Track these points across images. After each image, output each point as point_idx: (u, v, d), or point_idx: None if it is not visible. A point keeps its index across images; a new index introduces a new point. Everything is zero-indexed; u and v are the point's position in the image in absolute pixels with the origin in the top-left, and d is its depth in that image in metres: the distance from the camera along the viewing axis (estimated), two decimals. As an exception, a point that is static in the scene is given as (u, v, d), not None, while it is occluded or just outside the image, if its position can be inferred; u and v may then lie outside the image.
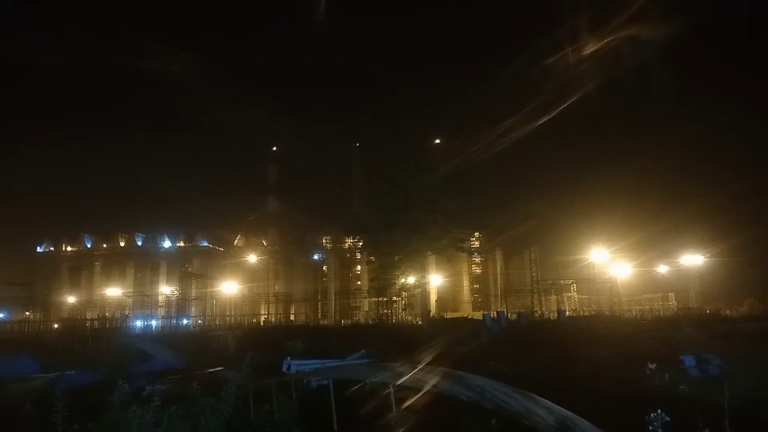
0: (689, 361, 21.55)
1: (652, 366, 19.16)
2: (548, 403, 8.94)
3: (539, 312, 62.80)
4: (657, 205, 65.29)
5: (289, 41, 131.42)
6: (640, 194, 65.75)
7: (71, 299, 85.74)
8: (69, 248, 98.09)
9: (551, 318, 56.85)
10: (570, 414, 8.59)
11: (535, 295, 66.01)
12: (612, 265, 65.89)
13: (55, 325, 66.47)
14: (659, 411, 7.63)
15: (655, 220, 60.33)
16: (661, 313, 61.12)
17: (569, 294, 74.97)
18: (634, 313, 64.43)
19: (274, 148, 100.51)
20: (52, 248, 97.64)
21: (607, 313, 60.31)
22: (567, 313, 56.48)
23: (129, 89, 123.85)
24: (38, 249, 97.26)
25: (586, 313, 63.90)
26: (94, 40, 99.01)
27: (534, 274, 68.38)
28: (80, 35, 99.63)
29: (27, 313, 79.20)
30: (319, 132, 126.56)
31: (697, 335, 31.43)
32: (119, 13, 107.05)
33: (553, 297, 73.76)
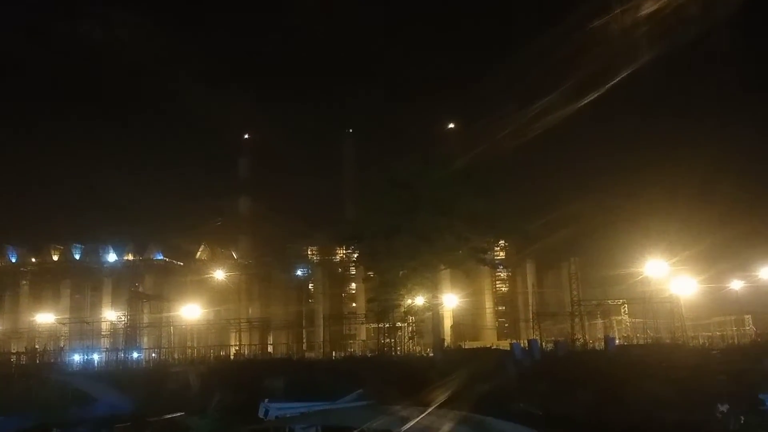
0: (771, 401, 21.52)
1: (724, 407, 19.14)
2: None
3: (581, 340, 62.77)
4: (729, 205, 65.32)
5: (268, 4, 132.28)
6: (708, 192, 65.84)
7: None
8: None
9: (596, 347, 56.81)
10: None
11: (576, 319, 65.94)
12: (673, 281, 65.81)
13: (-28, 361, 66.58)
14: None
15: (728, 225, 60.45)
16: (736, 341, 61.09)
17: (619, 317, 74.93)
18: (700, 340, 64.50)
19: (247, 136, 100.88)
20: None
21: (667, 340, 60.30)
22: (616, 341, 56.43)
23: (62, 61, 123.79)
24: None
25: (641, 341, 63.87)
26: None
27: (574, 292, 68.30)
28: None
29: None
30: (305, 118, 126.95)
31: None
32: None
33: (599, 321, 73.80)
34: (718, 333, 67.57)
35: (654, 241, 64.49)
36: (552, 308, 76.86)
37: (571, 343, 58.18)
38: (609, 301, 72.65)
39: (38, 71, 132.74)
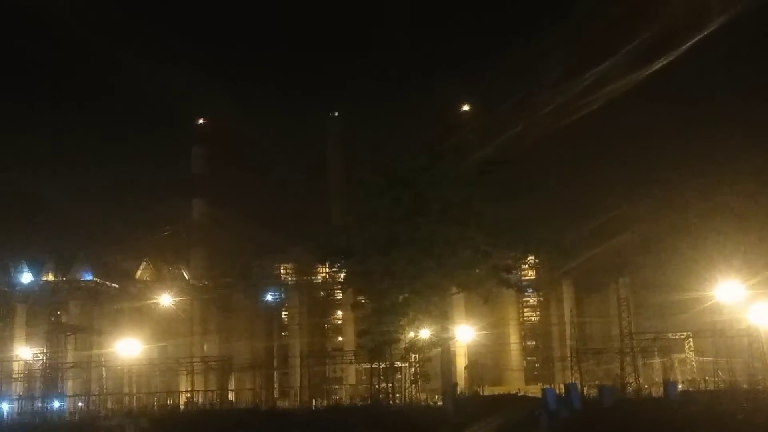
0: None
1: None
2: None
3: (634, 384, 62.76)
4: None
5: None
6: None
7: None
8: None
9: (653, 394, 56.78)
10: None
11: (627, 358, 65.97)
12: (751, 309, 65.61)
13: None
14: None
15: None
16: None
17: (682, 355, 74.90)
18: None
19: (202, 121, 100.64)
20: None
21: (745, 385, 60.24)
22: (679, 385, 56.38)
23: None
24: None
25: (710, 386, 63.81)
26: None
27: (625, 322, 68.29)
28: None
29: None
30: (280, 101, 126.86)
31: None
32: None
33: (656, 360, 73.77)
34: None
35: (728, 258, 64.39)
36: (596, 343, 76.98)
37: (621, 388, 58.18)
38: (669, 335, 72.60)
39: None
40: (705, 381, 68.94)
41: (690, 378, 70.42)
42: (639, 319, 71.57)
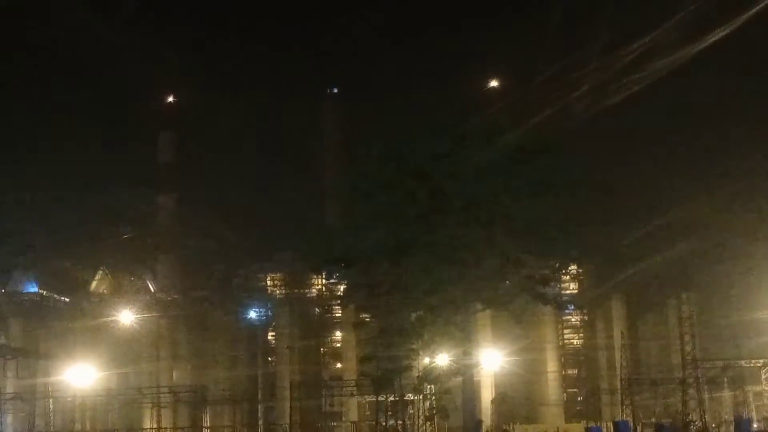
0: None
1: None
2: None
3: (699, 423, 62.64)
4: None
5: None
6: None
7: None
8: None
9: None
10: None
11: (691, 390, 65.84)
12: None
13: None
14: None
15: None
16: None
17: (758, 387, 74.75)
18: None
19: (171, 99, 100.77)
20: None
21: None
22: (755, 424, 56.31)
23: None
24: None
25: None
26: None
27: (688, 347, 68.22)
28: None
29: None
30: (266, 81, 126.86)
31: None
32: None
33: (726, 393, 73.56)
34: None
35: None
36: (652, 373, 76.76)
37: (684, 427, 58.05)
38: (742, 363, 72.40)
39: None
40: (785, 419, 68.91)
41: (766, 415, 70.29)
42: (705, 343, 71.38)
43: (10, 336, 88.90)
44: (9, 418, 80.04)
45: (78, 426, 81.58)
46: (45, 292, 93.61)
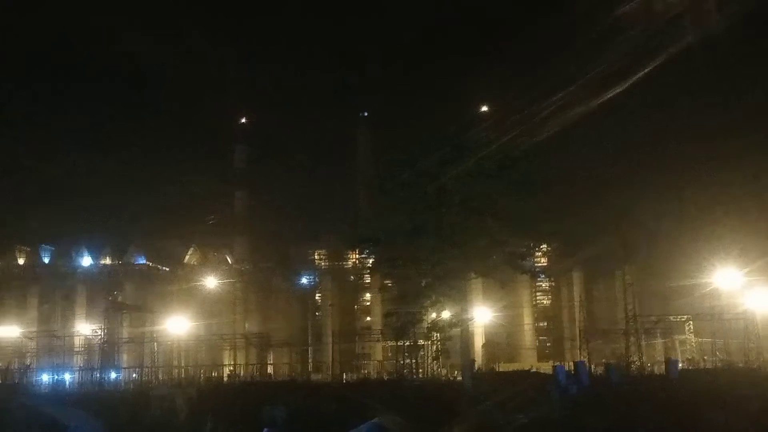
0: None
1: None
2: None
3: (638, 363, 62.25)
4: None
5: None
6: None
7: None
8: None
9: (656, 372, 56.29)
10: None
11: (632, 339, 65.43)
12: (747, 294, 64.95)
13: None
14: None
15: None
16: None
17: (683, 336, 74.27)
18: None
19: (244, 120, 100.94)
20: None
21: (741, 364, 59.62)
22: (680, 364, 55.88)
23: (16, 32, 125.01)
24: None
25: (709, 365, 63.20)
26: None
27: (629, 306, 67.73)
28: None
29: None
30: (313, 99, 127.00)
31: None
32: None
33: (659, 341, 73.19)
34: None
35: (726, 247, 63.68)
36: (603, 325, 76.37)
37: (626, 366, 57.72)
38: (671, 318, 72.06)
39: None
40: (704, 360, 68.33)
41: (690, 357, 69.83)
42: (643, 303, 70.88)
43: (125, 296, 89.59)
44: (125, 356, 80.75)
45: (175, 362, 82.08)
46: (151, 263, 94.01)
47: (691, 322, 72.96)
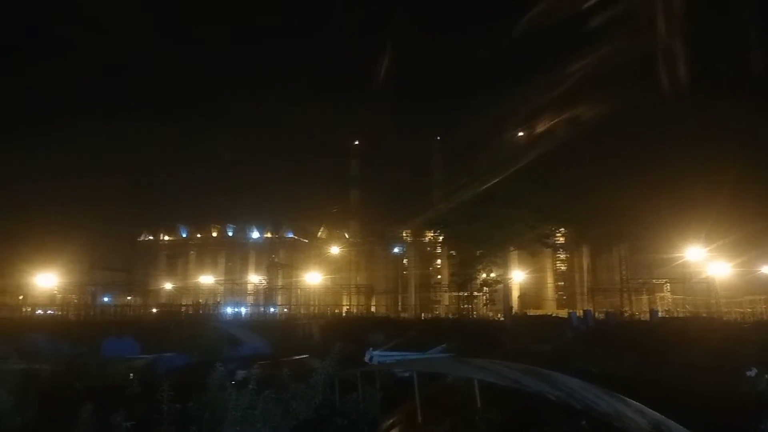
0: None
1: (753, 371, 17.98)
2: (640, 405, 8.64)
3: (629, 312, 60.26)
4: (761, 202, 60.78)
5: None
6: (744, 188, 61.31)
7: (168, 286, 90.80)
8: (166, 238, 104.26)
9: (642, 319, 54.41)
10: (663, 418, 8.26)
11: (625, 295, 63.36)
12: (709, 265, 62.17)
13: (153, 310, 70.85)
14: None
15: (761, 217, 56.16)
16: (765, 317, 56.96)
17: (662, 294, 71.39)
18: (733, 315, 60.43)
19: (356, 143, 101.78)
20: (150, 237, 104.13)
21: (704, 315, 56.97)
22: (659, 313, 53.87)
23: (215, 82, 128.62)
24: (139, 238, 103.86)
25: (681, 315, 60.59)
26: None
27: (623, 272, 65.67)
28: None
29: (128, 298, 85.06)
30: (401, 123, 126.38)
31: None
32: None
33: (645, 297, 70.48)
34: (749, 310, 63.08)
35: (694, 231, 60.91)
36: (604, 285, 74.03)
37: (620, 314, 55.95)
38: (653, 281, 69.40)
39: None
40: (677, 311, 65.51)
41: (667, 309, 66.94)
42: (633, 269, 68.58)
43: (280, 258, 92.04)
44: (279, 297, 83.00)
45: (311, 302, 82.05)
46: (296, 237, 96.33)
47: (668, 284, 70.55)
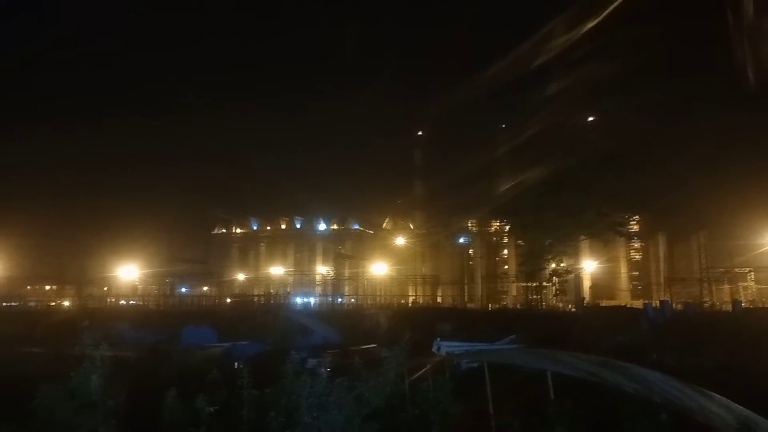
0: None
1: None
2: (725, 400, 8.26)
3: (709, 303, 57.36)
4: None
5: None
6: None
7: (241, 276, 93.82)
8: (238, 230, 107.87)
9: (724, 310, 51.66)
10: (752, 414, 7.86)
11: (705, 284, 60.30)
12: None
13: (228, 300, 73.46)
14: None
15: None
16: None
17: (745, 283, 67.35)
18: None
19: (420, 133, 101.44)
20: (224, 230, 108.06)
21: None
22: (743, 304, 50.95)
23: (289, 81, 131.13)
24: (213, 231, 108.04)
25: (767, 305, 57.10)
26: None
27: (703, 261, 62.64)
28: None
29: (204, 288, 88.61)
30: (465, 112, 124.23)
31: None
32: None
33: (726, 287, 66.82)
34: None
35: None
36: (681, 274, 70.74)
37: (700, 305, 53.36)
38: (736, 269, 65.54)
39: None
40: (762, 302, 61.76)
41: (751, 300, 63.17)
42: (713, 258, 65.16)
43: (346, 249, 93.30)
44: (346, 288, 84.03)
45: (377, 293, 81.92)
46: (362, 228, 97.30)
47: (752, 273, 66.21)
